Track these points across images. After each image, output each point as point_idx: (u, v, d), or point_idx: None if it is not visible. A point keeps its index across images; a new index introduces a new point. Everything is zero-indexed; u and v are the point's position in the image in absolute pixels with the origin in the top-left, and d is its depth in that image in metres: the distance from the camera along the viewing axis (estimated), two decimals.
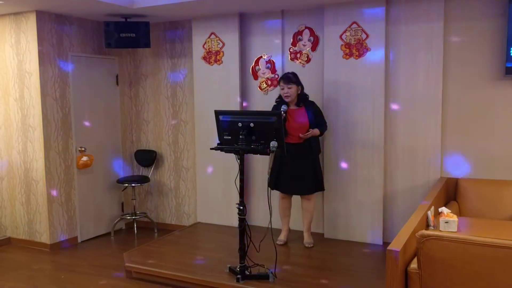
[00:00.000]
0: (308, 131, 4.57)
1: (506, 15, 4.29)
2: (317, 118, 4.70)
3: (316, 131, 4.61)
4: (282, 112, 4.49)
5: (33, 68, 5.16)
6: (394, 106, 4.87)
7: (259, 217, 5.50)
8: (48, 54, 5.22)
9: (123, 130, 6.21)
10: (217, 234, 5.40)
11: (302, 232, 4.97)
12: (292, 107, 4.68)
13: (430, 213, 3.60)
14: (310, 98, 4.84)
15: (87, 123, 5.67)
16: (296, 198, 4.96)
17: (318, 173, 4.78)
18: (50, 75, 5.24)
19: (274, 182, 4.75)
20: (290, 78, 4.62)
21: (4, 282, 4.43)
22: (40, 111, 5.15)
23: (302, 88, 4.70)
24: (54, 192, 5.29)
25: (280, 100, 4.72)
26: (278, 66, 5.32)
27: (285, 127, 4.55)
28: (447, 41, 4.62)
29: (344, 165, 5.03)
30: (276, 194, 4.90)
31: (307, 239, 4.89)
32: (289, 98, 4.61)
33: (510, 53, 4.26)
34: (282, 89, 4.63)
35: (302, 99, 4.70)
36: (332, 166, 5.08)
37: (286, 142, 4.50)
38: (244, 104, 5.55)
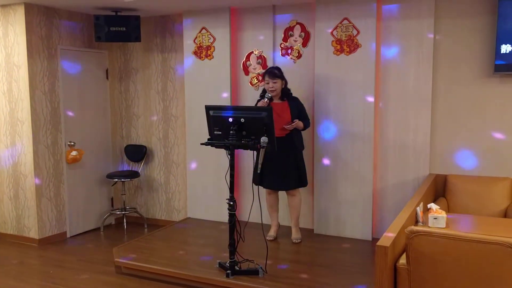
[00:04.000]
0: (292, 122, 4.58)
1: (496, 12, 4.32)
2: (301, 113, 4.72)
3: (300, 123, 4.63)
4: (266, 99, 4.51)
5: (21, 61, 5.10)
6: (384, 103, 4.88)
7: (250, 212, 5.49)
8: (37, 47, 5.16)
9: (113, 125, 6.17)
10: (207, 230, 5.39)
11: (290, 227, 4.98)
12: (276, 101, 4.69)
13: (419, 209, 3.63)
14: (301, 94, 4.84)
15: (76, 117, 5.63)
16: (283, 194, 4.96)
17: (301, 169, 4.78)
18: (39, 68, 5.18)
19: (259, 178, 4.74)
20: (275, 73, 4.64)
21: None
22: (29, 105, 5.10)
23: (286, 82, 4.72)
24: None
25: (263, 95, 4.71)
26: (269, 61, 5.31)
27: None
28: (437, 38, 4.64)
29: (334, 160, 5.04)
30: (264, 190, 4.90)
31: (294, 235, 4.90)
32: (275, 92, 4.62)
33: (500, 50, 4.29)
34: (267, 83, 4.64)
35: (286, 93, 4.71)
36: (321, 161, 5.09)
37: None
38: (235, 99, 5.53)
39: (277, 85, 4.62)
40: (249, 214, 4.32)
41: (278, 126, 4.56)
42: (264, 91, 4.72)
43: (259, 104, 4.60)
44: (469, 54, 4.54)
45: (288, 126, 4.55)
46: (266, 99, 4.58)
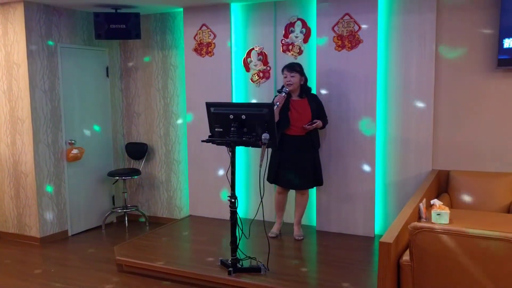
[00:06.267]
0: (312, 122, 4.55)
1: (499, 6, 4.28)
2: (319, 111, 4.69)
3: (320, 123, 4.60)
4: (284, 94, 4.49)
5: (21, 60, 5.08)
6: (386, 98, 4.85)
7: (251, 210, 5.48)
8: (37, 45, 5.14)
9: (113, 123, 6.14)
10: (209, 227, 5.37)
11: (293, 224, 4.95)
12: (295, 98, 4.65)
13: (422, 205, 3.60)
14: None
15: (77, 116, 5.61)
16: (290, 191, 4.94)
17: (318, 168, 4.77)
18: (38, 66, 5.16)
19: (274, 176, 4.72)
20: (294, 67, 4.60)
21: None
22: (29, 104, 5.08)
23: (306, 80, 4.68)
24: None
25: (281, 90, 4.67)
26: (270, 58, 5.28)
27: (288, 118, 4.54)
28: (440, 32, 4.60)
29: (336, 157, 5.01)
30: (269, 187, 4.88)
31: (297, 232, 4.88)
32: (291, 86, 4.58)
33: (503, 45, 4.25)
34: (285, 77, 4.60)
35: (305, 91, 4.68)
36: (324, 158, 5.05)
37: (288, 134, 4.53)
38: (236, 96, 5.51)
39: (295, 79, 4.57)
40: (257, 211, 4.28)
41: (297, 124, 4.55)
42: (282, 87, 4.68)
43: (276, 99, 4.55)
44: (471, 48, 4.51)
45: (309, 126, 4.53)
46: (283, 94, 4.52)
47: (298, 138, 4.59)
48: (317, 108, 4.66)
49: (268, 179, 4.73)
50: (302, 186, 4.77)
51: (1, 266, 4.65)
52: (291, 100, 4.61)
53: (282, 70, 4.68)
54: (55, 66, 5.34)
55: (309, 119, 4.58)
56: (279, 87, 4.82)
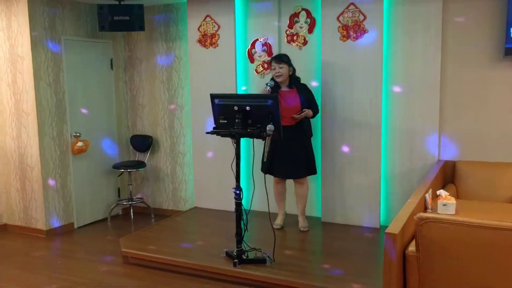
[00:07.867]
0: (301, 111, 4.53)
1: None
2: (309, 101, 4.66)
3: (309, 112, 4.58)
4: (269, 87, 4.48)
5: (25, 52, 5.07)
6: (392, 88, 4.81)
7: (256, 201, 5.47)
8: (41, 37, 5.13)
9: (118, 115, 6.14)
10: (214, 219, 5.38)
11: (297, 216, 4.95)
12: (284, 88, 4.64)
13: (428, 196, 3.58)
14: (307, 81, 4.79)
15: (81, 108, 5.61)
16: (290, 182, 4.93)
17: (310, 157, 4.75)
18: (43, 59, 5.16)
19: (267, 167, 4.72)
20: (282, 58, 4.60)
21: (0, 269, 4.41)
22: (34, 96, 5.08)
23: (294, 70, 4.67)
24: (51, 182, 5.26)
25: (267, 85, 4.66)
26: (274, 48, 5.24)
27: None
28: (446, 22, 4.55)
29: (341, 148, 4.99)
30: (271, 178, 4.86)
31: (302, 223, 4.88)
32: (281, 77, 4.57)
33: (510, 33, 4.20)
34: (274, 69, 4.60)
35: (294, 81, 4.66)
36: (329, 149, 5.04)
37: None
38: (240, 87, 5.48)
39: (284, 70, 4.56)
40: (250, 202, 4.30)
41: (287, 114, 4.53)
42: (272, 79, 4.66)
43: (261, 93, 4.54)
44: (478, 38, 4.46)
45: (298, 116, 4.51)
46: (268, 87, 4.52)
47: (289, 128, 4.54)
48: (306, 97, 4.64)
49: (262, 170, 4.72)
50: (295, 175, 4.75)
51: (8, 258, 4.68)
52: (280, 91, 4.60)
53: (270, 62, 4.68)
54: (59, 58, 5.33)
55: (299, 109, 4.56)
56: None
